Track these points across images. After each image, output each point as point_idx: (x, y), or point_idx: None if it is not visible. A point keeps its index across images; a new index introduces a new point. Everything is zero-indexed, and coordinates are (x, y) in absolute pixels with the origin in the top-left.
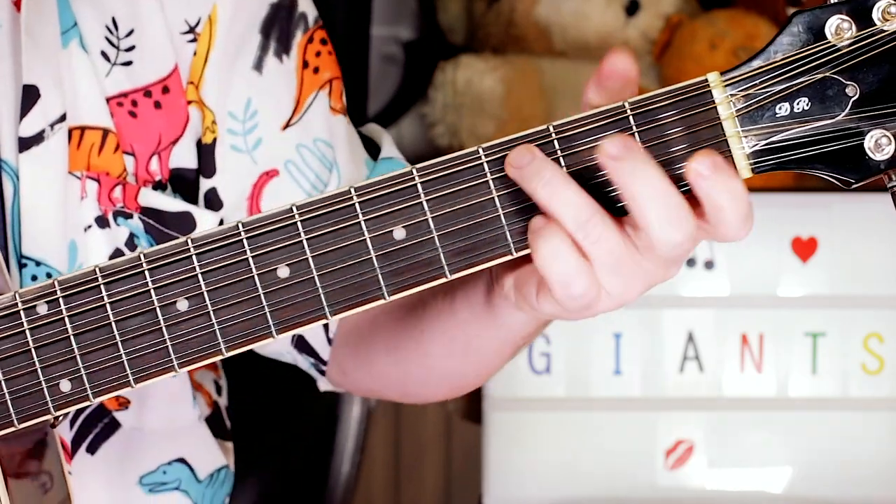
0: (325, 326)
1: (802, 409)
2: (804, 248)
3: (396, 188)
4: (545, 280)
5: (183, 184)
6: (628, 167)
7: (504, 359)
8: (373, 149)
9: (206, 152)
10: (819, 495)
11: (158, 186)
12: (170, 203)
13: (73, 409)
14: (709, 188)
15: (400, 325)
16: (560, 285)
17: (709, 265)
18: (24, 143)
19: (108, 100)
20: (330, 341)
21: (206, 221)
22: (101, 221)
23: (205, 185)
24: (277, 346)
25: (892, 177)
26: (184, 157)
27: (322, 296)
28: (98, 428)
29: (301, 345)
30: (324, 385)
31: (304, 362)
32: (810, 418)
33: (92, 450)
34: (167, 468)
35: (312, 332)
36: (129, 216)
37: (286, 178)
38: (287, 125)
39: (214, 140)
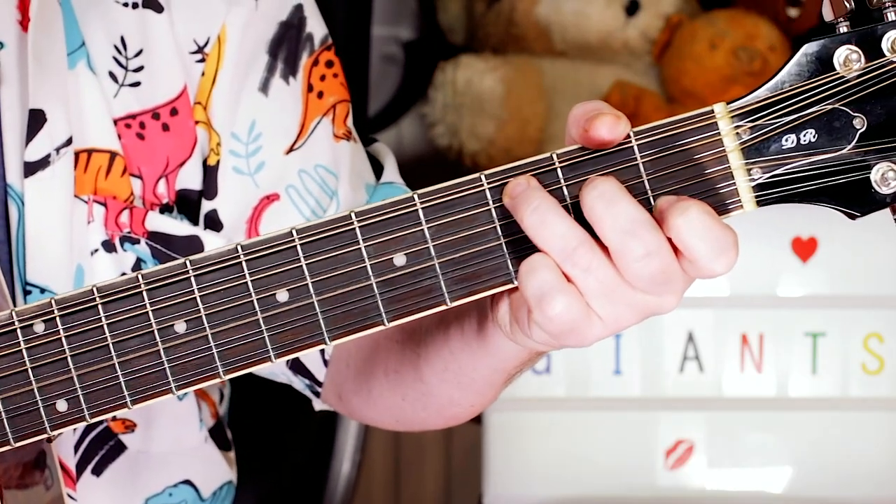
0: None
1: (802, 409)
2: (804, 248)
3: (398, 214)
4: (526, 300)
5: (187, 205)
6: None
7: (496, 389)
8: (377, 168)
9: (209, 174)
10: (819, 495)
11: (166, 209)
12: (177, 227)
13: (69, 428)
14: (670, 222)
15: (400, 349)
16: (537, 304)
17: None
18: (30, 168)
19: (115, 121)
20: (325, 362)
21: (213, 245)
22: (108, 246)
23: (205, 206)
24: (271, 367)
25: None
26: (190, 178)
27: (321, 321)
28: (104, 450)
29: (296, 366)
30: (319, 405)
31: (298, 383)
32: (810, 418)
33: (98, 472)
34: (173, 490)
35: (307, 354)
36: (136, 241)
37: (287, 202)
38: (290, 149)
39: (218, 162)
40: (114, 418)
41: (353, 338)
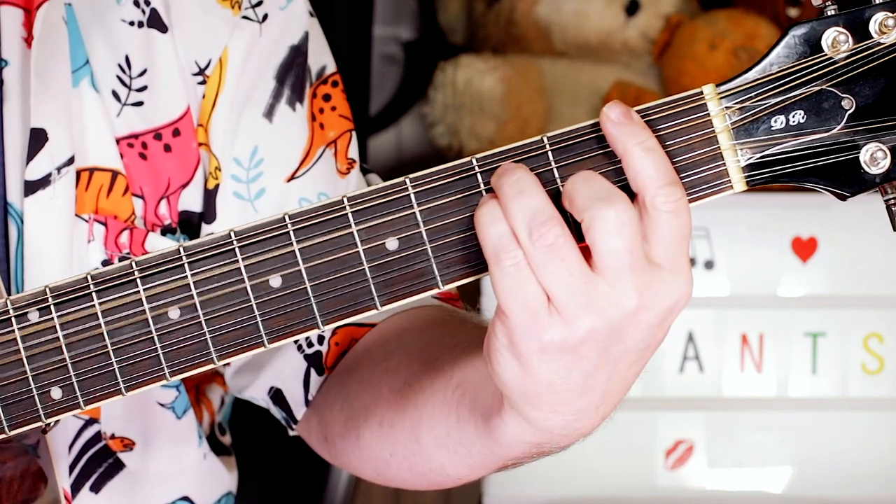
0: (307, 388)
1: (802, 409)
2: (804, 248)
3: (390, 198)
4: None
5: (190, 227)
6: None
7: (489, 470)
8: None
9: (208, 198)
10: (819, 495)
11: (168, 230)
12: None
13: (64, 416)
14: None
15: (402, 404)
16: (493, 252)
17: (709, 265)
18: (30, 187)
19: (118, 140)
20: (307, 402)
21: None
22: (107, 265)
23: (205, 229)
24: (253, 392)
25: (887, 190)
26: (192, 200)
27: (314, 306)
28: (102, 468)
29: (277, 398)
30: (291, 432)
31: (276, 412)
32: (810, 418)
33: (96, 489)
34: None
35: (291, 389)
36: None
37: (299, 207)
38: (292, 177)
39: (217, 186)
40: (112, 436)
41: (346, 322)
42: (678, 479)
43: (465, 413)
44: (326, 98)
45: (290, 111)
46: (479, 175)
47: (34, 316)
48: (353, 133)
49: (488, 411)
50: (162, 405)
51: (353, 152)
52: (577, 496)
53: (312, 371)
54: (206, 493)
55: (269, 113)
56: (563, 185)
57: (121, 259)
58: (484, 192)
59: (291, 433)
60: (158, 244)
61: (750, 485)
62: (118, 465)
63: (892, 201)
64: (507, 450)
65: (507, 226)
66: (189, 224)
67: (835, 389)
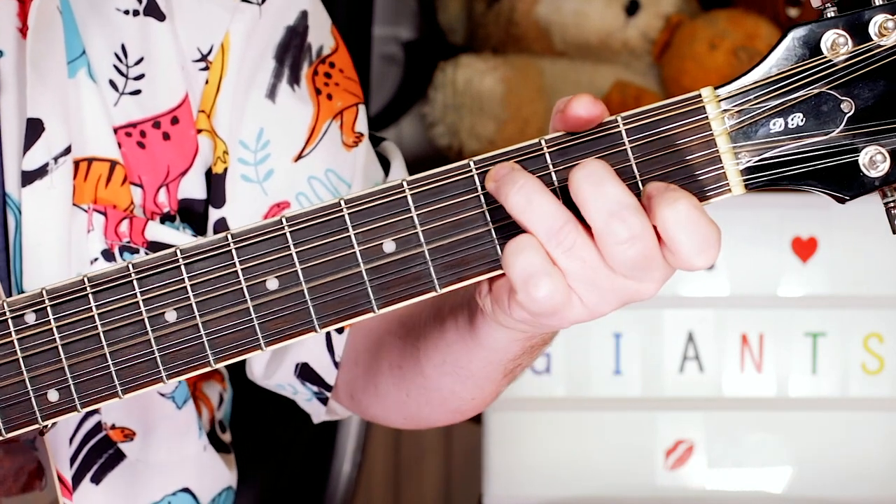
0: (331, 350)
1: (802, 409)
2: (804, 248)
3: (387, 201)
4: (510, 281)
5: (191, 215)
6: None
7: (495, 384)
8: (385, 166)
9: (216, 182)
10: (819, 495)
11: (167, 218)
12: (177, 237)
13: (61, 418)
14: (657, 211)
15: (401, 345)
16: (522, 285)
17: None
18: (27, 177)
19: (115, 130)
20: (336, 364)
21: None
22: (108, 255)
23: (214, 214)
24: (280, 377)
25: (886, 193)
26: (192, 187)
27: (311, 308)
28: (103, 458)
29: (305, 373)
30: (318, 418)
31: (305, 393)
32: (810, 418)
33: (96, 480)
34: (171, 498)
35: (318, 358)
36: (136, 251)
37: (297, 209)
38: (299, 156)
39: (225, 170)
40: (112, 427)
41: (343, 325)
42: (678, 479)
43: (451, 336)
44: (328, 75)
45: (291, 91)
46: (476, 178)
47: (31, 318)
48: (361, 107)
49: (472, 324)
50: (162, 395)
51: (361, 126)
52: (577, 496)
53: (332, 332)
54: (206, 486)
55: (272, 93)
56: (559, 185)
57: (121, 248)
58: (481, 195)
59: (318, 420)
60: (158, 232)
61: (750, 485)
62: (118, 456)
63: (892, 204)
64: (503, 353)
65: (532, 257)
66: (191, 211)
67: (835, 389)
